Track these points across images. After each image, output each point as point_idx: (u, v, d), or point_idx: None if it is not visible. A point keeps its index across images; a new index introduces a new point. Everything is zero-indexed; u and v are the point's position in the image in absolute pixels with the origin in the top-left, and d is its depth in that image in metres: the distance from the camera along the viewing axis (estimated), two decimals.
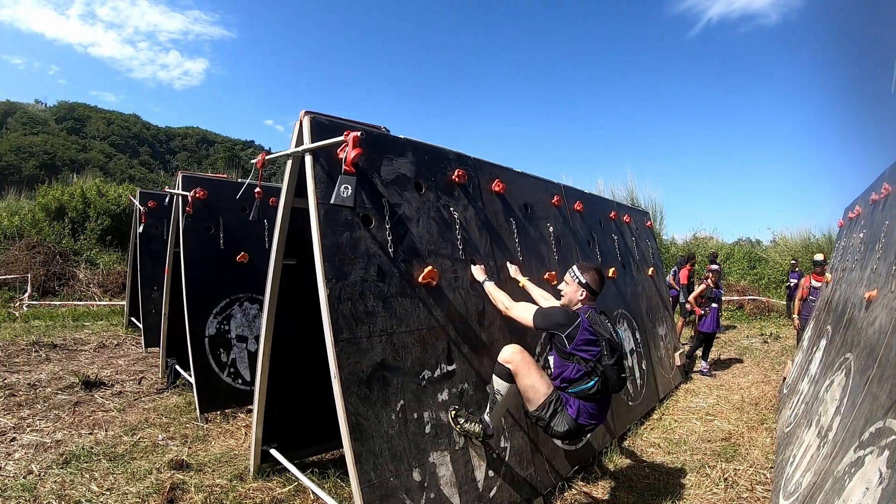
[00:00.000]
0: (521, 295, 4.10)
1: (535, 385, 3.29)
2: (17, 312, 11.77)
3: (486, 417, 3.44)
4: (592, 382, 3.24)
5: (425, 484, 3.09)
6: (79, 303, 13.51)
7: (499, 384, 3.39)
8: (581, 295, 3.47)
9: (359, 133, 3.01)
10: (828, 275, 7.57)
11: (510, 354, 3.32)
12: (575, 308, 3.48)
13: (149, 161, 78.86)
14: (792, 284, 14.32)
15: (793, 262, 15.06)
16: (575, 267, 3.57)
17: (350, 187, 3.05)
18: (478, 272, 3.84)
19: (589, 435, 4.56)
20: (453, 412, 3.43)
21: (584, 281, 3.47)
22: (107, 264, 15.89)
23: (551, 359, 3.48)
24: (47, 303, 13.15)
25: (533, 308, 3.48)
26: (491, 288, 3.75)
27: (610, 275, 6.05)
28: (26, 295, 13.10)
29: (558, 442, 4.26)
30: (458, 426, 3.39)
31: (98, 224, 16.86)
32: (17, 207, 18.07)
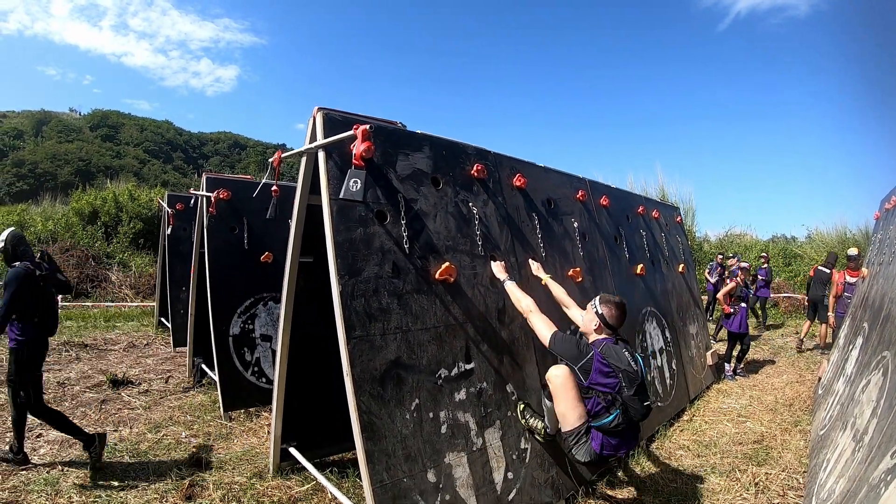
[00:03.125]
0: (542, 293, 4.02)
1: (566, 413, 3.28)
2: None
3: (546, 420, 3.57)
4: (612, 416, 3.20)
5: (440, 485, 3.01)
6: (111, 304, 13.77)
7: (545, 400, 3.53)
8: (594, 325, 3.44)
9: (367, 126, 2.96)
10: (864, 269, 7.29)
11: (551, 375, 3.33)
12: (591, 339, 3.46)
13: (182, 166, 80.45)
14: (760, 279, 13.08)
15: (763, 256, 13.96)
16: (597, 297, 3.52)
17: (359, 181, 3.00)
18: (498, 269, 3.76)
19: None
20: (522, 406, 3.68)
21: (599, 311, 3.42)
22: (139, 266, 16.17)
23: None
24: (80, 304, 13.42)
25: (553, 328, 3.44)
26: (513, 288, 3.68)
27: (638, 272, 5.91)
28: (59, 297, 13.36)
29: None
30: (524, 420, 3.63)
31: (130, 227, 17.19)
32: (52, 212, 18.51)
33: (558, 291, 4.06)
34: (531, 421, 3.61)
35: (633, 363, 3.26)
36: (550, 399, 3.39)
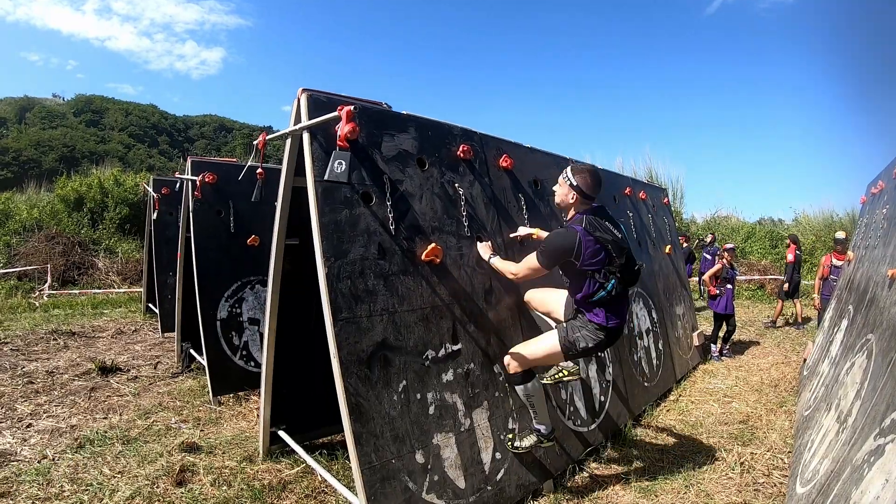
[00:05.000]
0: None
1: (557, 307, 3.62)
2: (37, 302, 11.92)
3: (535, 424, 3.58)
4: (611, 284, 3.22)
5: (429, 466, 3.03)
6: (98, 291, 13.69)
7: (520, 391, 3.53)
8: (572, 198, 3.33)
9: (352, 107, 2.93)
10: (850, 252, 7.35)
11: (509, 359, 3.52)
12: (570, 215, 3.40)
13: (168, 150, 79.52)
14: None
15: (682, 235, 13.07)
16: (568, 168, 3.40)
17: (344, 163, 2.98)
18: (483, 249, 3.74)
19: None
20: (509, 443, 3.58)
21: (574, 183, 3.30)
22: (125, 252, 16.07)
23: (564, 278, 3.57)
24: (67, 292, 13.33)
25: (532, 256, 3.38)
26: (497, 262, 3.65)
27: None
28: (46, 285, 13.27)
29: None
30: (515, 449, 3.57)
31: (116, 213, 17.05)
32: (37, 200, 18.30)
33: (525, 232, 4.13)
34: (523, 444, 3.57)
35: (616, 231, 3.27)
36: (525, 379, 3.48)
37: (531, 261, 3.36)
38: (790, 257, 11.04)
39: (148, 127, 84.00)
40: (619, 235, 3.25)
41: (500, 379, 3.67)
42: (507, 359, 3.49)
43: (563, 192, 3.39)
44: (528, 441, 3.56)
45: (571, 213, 3.38)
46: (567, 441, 4.16)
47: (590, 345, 3.34)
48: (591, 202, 3.37)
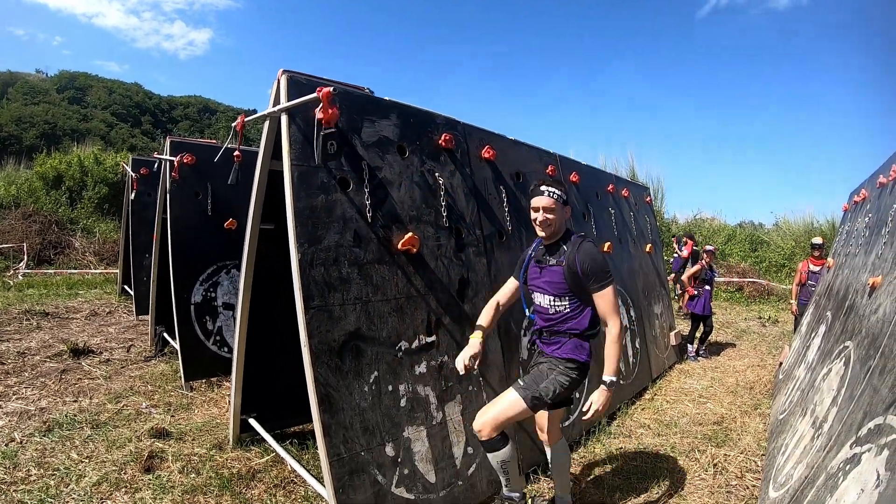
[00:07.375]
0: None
1: (503, 408, 2.97)
2: (11, 281, 11.71)
3: (506, 492, 3.08)
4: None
5: (399, 459, 2.99)
6: (73, 271, 13.49)
7: (493, 459, 2.97)
8: (568, 214, 3.09)
9: (331, 89, 2.84)
10: (830, 259, 7.40)
11: (479, 423, 2.96)
12: (559, 235, 3.07)
13: (150, 130, 78.21)
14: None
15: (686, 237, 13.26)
16: (551, 189, 3.00)
17: (335, 144, 2.90)
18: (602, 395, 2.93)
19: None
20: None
21: (567, 200, 3.06)
22: (103, 233, 15.87)
23: (566, 305, 3.02)
24: (42, 271, 13.12)
25: (608, 288, 2.91)
26: (613, 364, 2.91)
27: (605, 249, 5.90)
28: (22, 264, 13.05)
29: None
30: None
31: (95, 193, 16.82)
32: (16, 177, 17.98)
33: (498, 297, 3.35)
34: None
35: None
36: (499, 445, 2.96)
37: (610, 292, 2.92)
38: (685, 252, 11.88)
39: (131, 106, 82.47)
40: None
41: (475, 372, 3.62)
42: (476, 425, 2.97)
43: (561, 216, 3.04)
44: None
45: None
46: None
47: (564, 387, 2.96)
48: None
